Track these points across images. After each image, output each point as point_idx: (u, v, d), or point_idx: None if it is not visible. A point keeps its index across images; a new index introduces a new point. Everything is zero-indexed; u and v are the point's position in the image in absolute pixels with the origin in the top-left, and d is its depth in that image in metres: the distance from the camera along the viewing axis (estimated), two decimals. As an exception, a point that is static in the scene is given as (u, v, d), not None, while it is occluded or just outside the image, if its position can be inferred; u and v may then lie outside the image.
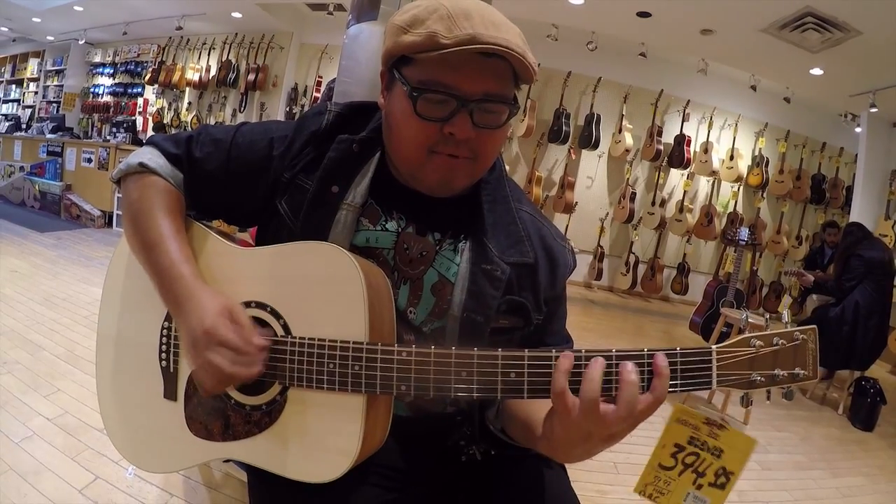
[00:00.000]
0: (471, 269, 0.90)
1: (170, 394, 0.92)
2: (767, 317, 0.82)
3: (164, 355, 0.93)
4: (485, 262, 0.90)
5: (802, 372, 0.74)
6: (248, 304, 0.86)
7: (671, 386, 0.70)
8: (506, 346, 0.88)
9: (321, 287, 0.82)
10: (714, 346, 0.73)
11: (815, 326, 0.75)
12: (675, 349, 0.71)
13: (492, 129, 0.83)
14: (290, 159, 0.94)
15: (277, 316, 0.84)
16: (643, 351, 0.71)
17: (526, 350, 0.73)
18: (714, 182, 7.63)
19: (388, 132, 0.90)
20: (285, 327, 0.83)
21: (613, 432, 0.69)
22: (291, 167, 0.93)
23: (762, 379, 0.74)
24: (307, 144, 0.94)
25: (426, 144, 0.83)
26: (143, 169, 0.94)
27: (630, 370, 0.68)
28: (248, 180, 0.95)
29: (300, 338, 0.81)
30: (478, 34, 0.74)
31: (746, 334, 0.75)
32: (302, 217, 0.91)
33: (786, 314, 0.80)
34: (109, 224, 6.94)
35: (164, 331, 0.93)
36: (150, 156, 0.95)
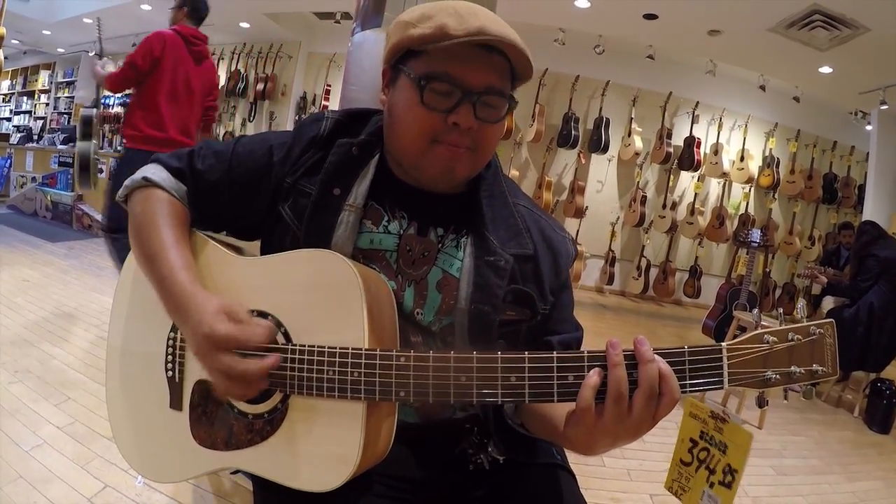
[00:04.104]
0: (475, 263, 0.92)
1: (175, 403, 0.92)
2: (782, 314, 0.78)
3: (169, 365, 0.93)
4: (487, 254, 0.92)
5: (821, 368, 0.70)
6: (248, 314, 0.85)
7: (681, 387, 0.69)
8: (515, 339, 0.92)
9: (321, 294, 0.81)
10: (724, 344, 0.70)
11: (832, 320, 0.72)
12: (683, 348, 0.70)
13: (492, 123, 0.86)
14: (290, 164, 0.95)
15: (279, 324, 0.83)
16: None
17: (526, 352, 0.72)
18: (725, 184, 7.56)
19: (390, 126, 0.92)
20: (286, 335, 0.83)
21: (639, 428, 0.71)
22: (293, 172, 0.94)
23: (778, 377, 0.70)
24: (307, 149, 0.96)
25: (430, 134, 0.85)
26: (147, 183, 0.95)
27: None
28: (250, 188, 0.96)
29: (299, 345, 0.80)
30: (486, 27, 0.79)
31: (758, 330, 0.72)
32: (305, 220, 0.92)
33: (801, 304, 0.77)
34: (121, 233, 6.96)
35: (170, 341, 0.93)
36: (153, 171, 0.97)
